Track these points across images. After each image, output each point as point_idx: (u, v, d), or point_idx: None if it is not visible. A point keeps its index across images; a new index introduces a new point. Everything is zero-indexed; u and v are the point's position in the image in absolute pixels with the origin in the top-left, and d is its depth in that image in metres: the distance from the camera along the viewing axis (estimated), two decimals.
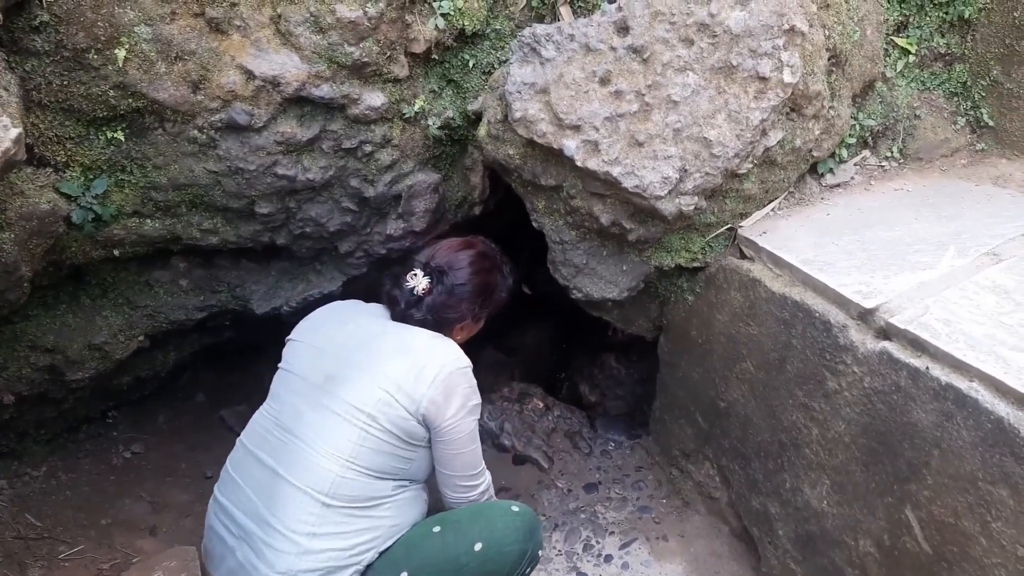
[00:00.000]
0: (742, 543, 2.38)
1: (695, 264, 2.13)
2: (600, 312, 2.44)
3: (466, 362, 1.77)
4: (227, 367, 3.19)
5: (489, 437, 2.80)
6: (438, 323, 1.83)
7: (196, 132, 2.00)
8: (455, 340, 1.85)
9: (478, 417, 1.79)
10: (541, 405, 2.87)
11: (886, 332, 1.68)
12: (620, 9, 1.85)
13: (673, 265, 2.14)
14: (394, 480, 1.74)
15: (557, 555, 2.45)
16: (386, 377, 1.70)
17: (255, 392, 3.08)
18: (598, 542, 2.47)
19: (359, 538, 1.70)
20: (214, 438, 2.91)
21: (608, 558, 2.43)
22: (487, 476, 1.89)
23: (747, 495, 2.23)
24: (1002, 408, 1.45)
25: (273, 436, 1.75)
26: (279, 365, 1.85)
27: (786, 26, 1.80)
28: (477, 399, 1.79)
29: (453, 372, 1.72)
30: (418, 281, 1.83)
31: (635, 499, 2.62)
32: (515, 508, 1.85)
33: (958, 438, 1.53)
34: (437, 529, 1.77)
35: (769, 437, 2.07)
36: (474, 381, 1.78)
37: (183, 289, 2.41)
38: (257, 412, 1.85)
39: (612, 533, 2.50)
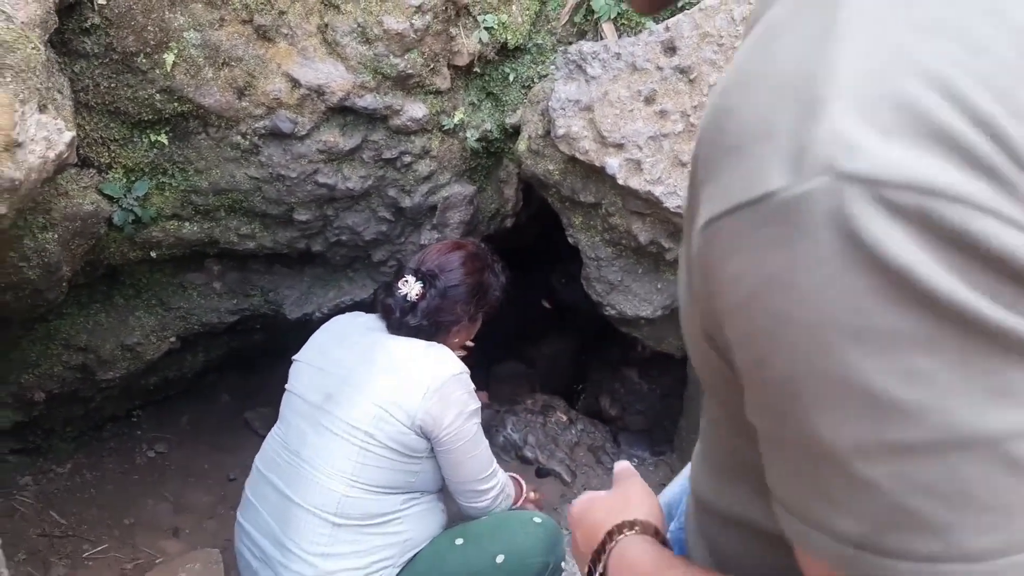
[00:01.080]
0: None
1: None
2: (631, 329, 2.43)
3: (460, 368, 1.75)
4: (253, 369, 3.20)
5: (513, 449, 2.80)
6: (434, 328, 1.82)
7: (239, 138, 2.01)
8: (452, 343, 1.86)
9: (479, 421, 1.77)
10: (564, 418, 2.87)
11: None
12: (668, 29, 1.86)
13: None
14: (403, 494, 1.74)
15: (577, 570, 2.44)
16: (380, 393, 1.70)
17: (280, 394, 3.10)
18: None
19: (374, 556, 1.70)
20: (238, 439, 2.92)
21: None
22: (499, 478, 1.86)
23: None
24: None
25: (282, 459, 1.77)
26: (285, 387, 1.88)
27: None
28: (475, 404, 1.77)
29: (447, 381, 1.70)
30: (410, 287, 1.81)
31: None
32: (537, 520, 1.85)
33: None
34: (459, 542, 1.77)
35: None
36: (471, 386, 1.77)
37: (216, 292, 2.42)
38: (268, 434, 1.88)
39: None
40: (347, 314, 1.96)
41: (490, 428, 2.87)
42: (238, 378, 3.19)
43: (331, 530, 1.67)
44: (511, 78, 2.22)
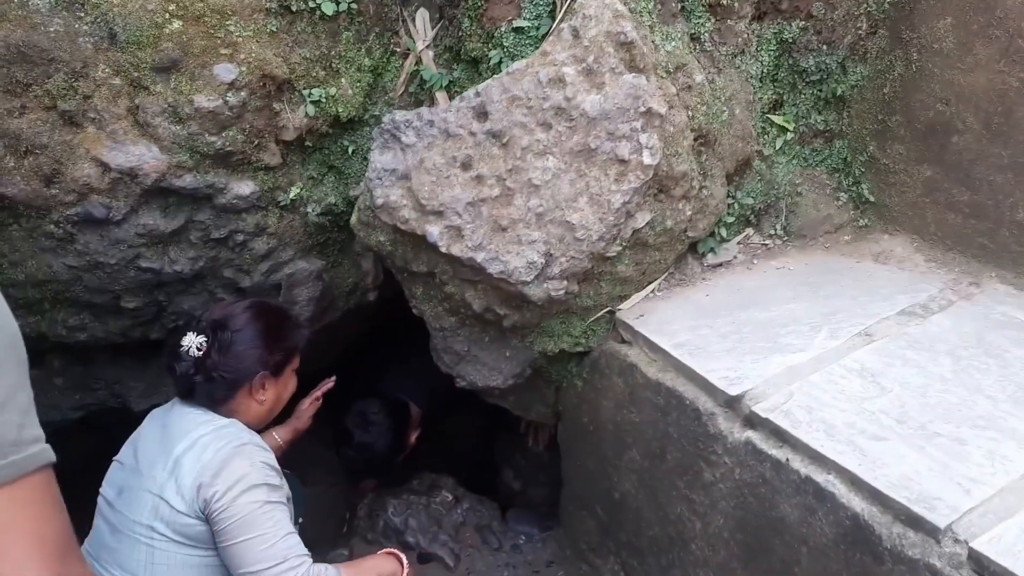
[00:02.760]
0: None
1: (579, 348, 2.06)
2: (494, 399, 2.35)
3: (246, 439, 1.60)
4: None
5: (394, 534, 2.66)
6: (229, 386, 1.65)
7: (52, 227, 1.94)
8: (259, 407, 1.70)
9: (267, 500, 1.54)
10: (450, 498, 2.75)
11: (751, 420, 1.60)
12: (478, 95, 1.83)
13: (557, 350, 2.07)
14: None
15: None
16: (154, 480, 1.56)
17: None
18: None
19: None
20: None
21: None
22: (297, 572, 1.54)
23: None
24: (857, 503, 1.37)
25: (94, 565, 1.63)
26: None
27: (643, 108, 1.77)
28: (260, 479, 1.55)
29: (224, 449, 1.54)
30: (191, 340, 1.65)
31: None
32: None
33: (822, 535, 1.44)
34: None
35: (659, 531, 1.96)
36: (260, 457, 1.58)
37: (57, 387, 2.30)
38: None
39: None
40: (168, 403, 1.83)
41: (372, 513, 2.73)
42: None
43: None
44: (351, 150, 2.17)
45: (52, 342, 2.16)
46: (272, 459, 1.64)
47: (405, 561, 1.85)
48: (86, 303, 2.08)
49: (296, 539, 1.57)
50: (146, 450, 1.64)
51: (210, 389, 1.65)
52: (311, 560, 1.57)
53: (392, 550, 1.87)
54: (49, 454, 0.83)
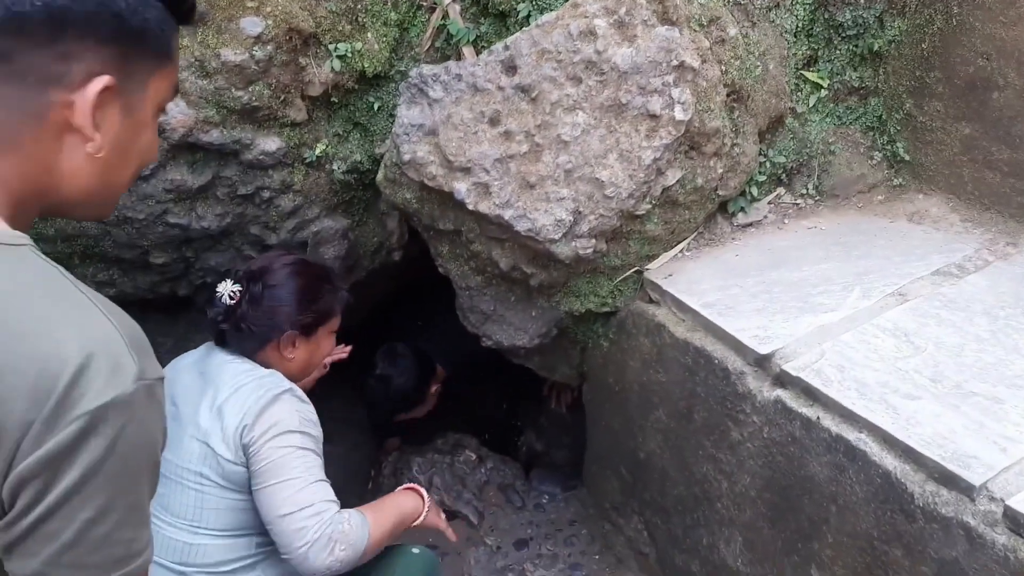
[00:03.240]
0: None
1: (606, 309, 2.05)
2: (519, 359, 2.34)
3: (286, 387, 1.58)
4: None
5: None
6: (260, 338, 1.64)
7: None
8: (289, 363, 1.68)
9: (299, 446, 1.53)
10: (474, 457, 2.76)
11: (781, 379, 1.58)
12: (507, 48, 1.80)
13: (584, 310, 2.05)
14: (256, 536, 1.59)
15: None
16: (198, 427, 1.56)
17: None
18: None
19: None
20: None
21: None
22: (319, 522, 1.49)
23: (671, 551, 2.12)
24: (890, 461, 1.35)
25: None
26: None
27: (675, 62, 1.74)
28: (295, 424, 1.54)
29: (264, 396, 1.54)
30: (226, 288, 1.63)
31: (566, 556, 2.49)
32: (415, 551, 1.76)
33: (852, 493, 1.43)
34: None
35: (685, 490, 1.96)
36: (298, 407, 1.57)
37: None
38: None
39: None
40: (201, 347, 1.80)
41: (396, 471, 2.76)
42: None
43: None
44: (376, 107, 2.15)
45: None
46: (311, 412, 1.62)
47: (426, 496, 1.79)
48: (115, 258, 2.09)
49: (326, 487, 1.55)
50: (186, 397, 1.63)
51: (239, 339, 1.64)
52: (339, 506, 1.56)
53: (412, 485, 1.82)
54: (146, 566, 0.81)
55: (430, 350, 3.01)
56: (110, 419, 0.72)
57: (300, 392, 1.62)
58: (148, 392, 0.76)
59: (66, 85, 0.81)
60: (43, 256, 0.80)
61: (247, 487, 1.54)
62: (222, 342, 1.67)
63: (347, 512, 1.56)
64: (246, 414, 1.52)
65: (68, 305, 0.76)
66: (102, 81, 0.81)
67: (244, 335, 1.64)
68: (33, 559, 0.73)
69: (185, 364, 1.73)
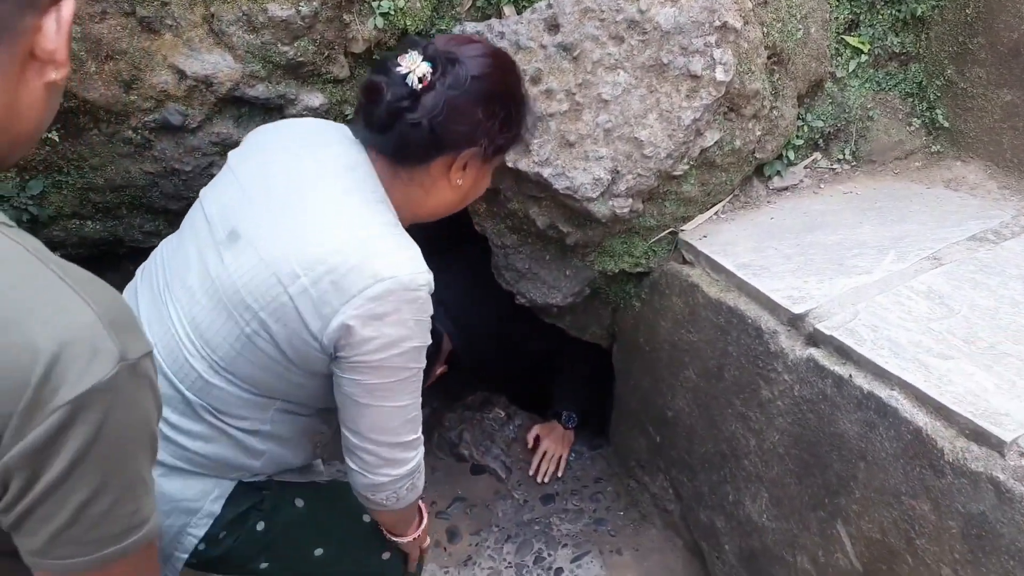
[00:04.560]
0: (696, 558, 2.31)
1: (639, 269, 2.08)
2: (551, 318, 2.38)
3: (420, 279, 1.21)
4: None
5: (447, 446, 2.75)
6: (435, 144, 1.25)
7: (131, 133, 1.99)
8: (450, 190, 1.33)
9: (416, 367, 1.26)
10: (503, 414, 2.82)
11: (814, 338, 1.61)
12: (550, 6, 1.81)
13: (617, 270, 2.09)
14: (281, 402, 1.35)
15: (507, 567, 2.39)
16: (292, 266, 1.19)
17: None
18: (550, 555, 2.41)
19: (224, 452, 1.35)
20: None
21: (559, 571, 2.37)
22: (415, 458, 1.34)
23: (695, 508, 2.17)
24: (921, 418, 1.38)
25: (155, 278, 1.37)
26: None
27: (718, 23, 1.74)
28: (419, 341, 1.24)
29: (393, 291, 1.17)
30: (415, 64, 1.22)
31: (592, 511, 2.56)
32: (385, 556, 1.62)
33: (881, 449, 1.47)
34: (319, 552, 1.51)
35: (712, 448, 2.00)
36: (424, 311, 1.24)
37: None
38: (169, 238, 1.45)
39: (565, 546, 2.44)
40: (322, 121, 1.47)
41: (426, 426, 2.82)
42: None
43: (181, 404, 1.31)
44: None
45: (128, 246, 2.24)
46: (430, 306, 1.27)
47: (426, 514, 1.63)
48: (162, 209, 2.15)
49: (420, 417, 1.35)
50: (284, 196, 1.26)
51: (406, 138, 1.24)
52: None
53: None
54: (152, 533, 0.81)
55: (444, 323, 2.82)
56: (92, 406, 0.71)
57: (429, 284, 1.24)
58: (132, 371, 0.74)
59: (37, 8, 0.75)
60: (10, 233, 0.76)
61: (307, 367, 1.26)
62: (379, 130, 1.28)
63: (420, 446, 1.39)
64: (362, 295, 1.17)
65: (37, 290, 0.72)
66: (72, 3, 0.77)
67: (419, 133, 1.23)
68: (35, 538, 0.74)
69: (321, 128, 1.40)
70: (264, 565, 1.49)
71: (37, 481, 0.71)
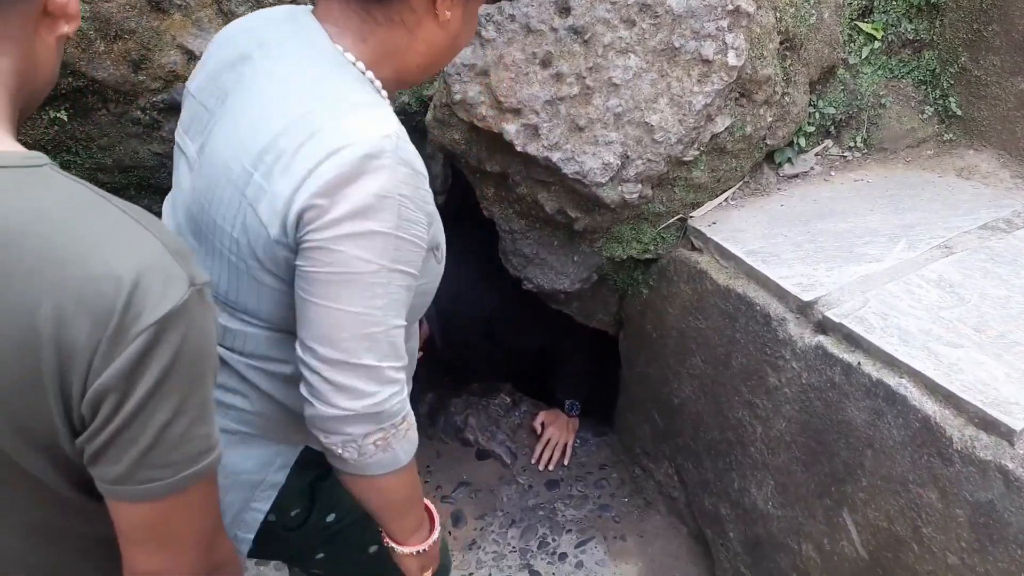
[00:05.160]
0: (699, 545, 2.31)
1: (647, 256, 2.07)
2: (558, 305, 2.38)
3: (384, 143, 0.97)
4: None
5: (453, 431, 2.75)
6: None
7: (139, 113, 1.99)
8: (440, 30, 1.09)
9: (377, 260, 0.99)
10: (508, 400, 2.82)
11: (823, 326, 1.61)
12: None
13: (625, 256, 2.08)
14: (285, 332, 1.14)
15: (511, 552, 2.40)
16: (243, 165, 1.02)
17: None
18: (554, 540, 2.42)
19: (273, 407, 1.18)
20: None
21: (562, 556, 2.37)
22: (388, 392, 1.05)
23: (700, 495, 2.17)
24: (930, 406, 1.38)
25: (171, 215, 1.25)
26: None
27: (730, 6, 1.73)
28: (382, 223, 0.97)
29: (348, 161, 0.96)
30: None
31: (596, 497, 2.56)
32: (372, 549, 1.41)
33: (889, 437, 1.46)
34: (373, 550, 1.38)
35: (718, 435, 2.00)
36: (394, 185, 0.98)
37: None
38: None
39: (569, 531, 2.44)
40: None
41: (432, 411, 2.83)
42: None
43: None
44: None
45: None
46: (420, 186, 1.02)
47: (437, 518, 1.31)
48: (169, 190, 2.14)
49: (401, 335, 1.06)
50: (227, 94, 1.09)
51: None
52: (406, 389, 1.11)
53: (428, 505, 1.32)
54: (219, 456, 0.85)
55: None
56: (171, 328, 0.75)
57: (406, 146, 1.01)
58: (199, 296, 0.78)
59: None
60: (65, 173, 0.80)
61: (287, 275, 1.05)
62: None
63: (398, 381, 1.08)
64: (323, 165, 0.96)
65: (107, 223, 0.77)
66: None
67: None
68: (117, 465, 0.78)
69: (242, 28, 1.18)
70: (320, 556, 1.41)
71: (126, 402, 0.75)
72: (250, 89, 1.07)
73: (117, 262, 0.74)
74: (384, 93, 1.10)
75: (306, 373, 1.04)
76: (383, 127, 0.99)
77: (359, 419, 1.05)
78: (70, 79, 1.89)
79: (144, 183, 2.13)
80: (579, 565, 2.34)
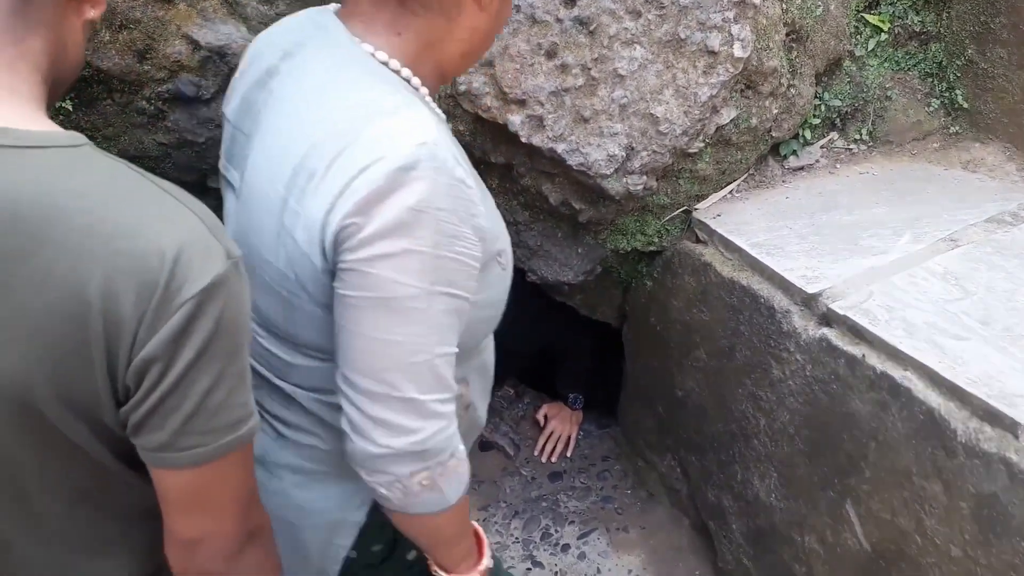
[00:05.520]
0: (702, 537, 2.31)
1: (652, 248, 2.07)
2: (562, 297, 2.38)
3: (420, 152, 0.89)
4: None
5: None
6: None
7: (145, 103, 1.99)
8: (481, 11, 1.00)
9: (418, 284, 0.91)
10: (512, 392, 2.83)
11: (827, 318, 1.60)
12: None
13: (629, 248, 2.08)
14: None
15: (514, 543, 2.41)
16: (278, 190, 0.95)
17: None
18: (556, 531, 2.43)
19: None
20: None
21: (565, 547, 2.38)
22: (433, 429, 0.96)
23: (703, 487, 2.17)
24: (934, 399, 1.38)
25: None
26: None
27: None
28: (421, 242, 0.89)
29: (382, 176, 0.88)
30: None
31: (599, 489, 2.56)
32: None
33: (893, 430, 1.46)
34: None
35: (721, 427, 2.00)
36: (434, 198, 0.89)
37: None
38: None
39: (572, 523, 2.45)
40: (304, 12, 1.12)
41: None
42: None
43: (281, 397, 1.11)
44: None
45: None
46: (468, 192, 0.94)
47: (486, 542, 1.22)
48: (175, 180, 2.13)
49: (450, 364, 0.97)
50: (266, 117, 1.02)
51: None
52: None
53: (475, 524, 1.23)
54: (256, 426, 0.87)
55: None
56: (212, 299, 0.78)
57: (444, 153, 0.91)
58: (236, 268, 0.82)
59: None
60: (105, 152, 0.84)
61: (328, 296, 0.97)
62: None
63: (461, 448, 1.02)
64: (346, 201, 0.89)
65: (149, 200, 0.81)
66: None
67: None
68: (160, 432, 0.81)
69: (267, 41, 1.11)
70: None
71: (169, 371, 0.78)
72: (279, 106, 1.01)
73: (161, 237, 0.77)
74: (424, 91, 1.03)
75: (345, 406, 0.98)
76: (417, 134, 0.90)
77: (402, 457, 0.96)
78: None
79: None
80: (582, 556, 2.35)
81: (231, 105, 1.13)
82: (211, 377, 0.80)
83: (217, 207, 2.28)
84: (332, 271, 0.94)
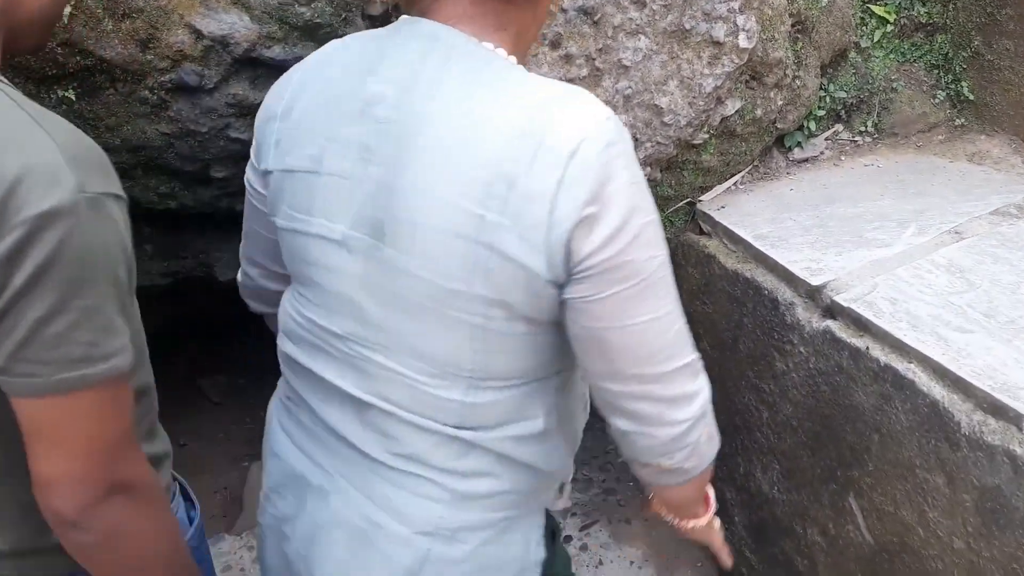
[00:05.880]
0: None
1: None
2: None
3: (609, 125, 0.87)
4: (210, 336, 3.20)
5: None
6: None
7: (147, 92, 1.98)
8: (543, 6, 0.99)
9: (659, 251, 0.89)
10: None
11: (831, 311, 1.60)
12: None
13: None
14: (549, 378, 1.00)
15: None
16: (467, 208, 0.86)
17: (237, 362, 3.08)
18: (559, 523, 2.43)
19: (521, 473, 1.03)
20: (190, 408, 2.92)
21: (567, 539, 2.38)
22: (704, 380, 0.98)
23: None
24: (938, 391, 1.37)
25: (326, 344, 1.02)
26: (276, 223, 1.04)
27: None
28: (647, 209, 0.88)
29: (592, 156, 0.84)
30: None
31: (601, 480, 2.57)
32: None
33: (896, 422, 1.46)
34: None
35: (724, 419, 1.98)
36: (634, 163, 0.89)
37: (148, 254, 2.41)
38: (284, 303, 1.11)
39: (574, 515, 2.45)
40: (331, 45, 1.09)
41: None
42: (195, 347, 3.20)
43: (457, 447, 0.99)
44: None
45: (144, 208, 2.24)
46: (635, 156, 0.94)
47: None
48: (177, 171, 2.14)
49: (687, 328, 0.97)
50: (392, 141, 0.91)
51: None
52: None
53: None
54: (117, 370, 0.84)
55: None
56: (50, 226, 0.77)
57: (619, 127, 0.89)
58: (92, 204, 0.80)
59: None
60: None
61: (542, 316, 0.92)
62: None
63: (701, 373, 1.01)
64: (570, 193, 0.84)
65: (10, 127, 0.80)
66: None
67: None
68: None
69: (354, 55, 1.00)
70: None
71: (2, 293, 0.77)
72: (421, 129, 0.90)
73: (6, 160, 0.77)
74: None
75: (630, 405, 0.93)
76: (599, 109, 0.89)
77: (697, 421, 0.97)
78: (78, 58, 1.89)
79: (151, 164, 2.12)
80: (584, 548, 2.35)
81: (277, 158, 1.02)
82: (45, 307, 0.78)
83: (217, 198, 2.28)
84: (554, 281, 0.88)
